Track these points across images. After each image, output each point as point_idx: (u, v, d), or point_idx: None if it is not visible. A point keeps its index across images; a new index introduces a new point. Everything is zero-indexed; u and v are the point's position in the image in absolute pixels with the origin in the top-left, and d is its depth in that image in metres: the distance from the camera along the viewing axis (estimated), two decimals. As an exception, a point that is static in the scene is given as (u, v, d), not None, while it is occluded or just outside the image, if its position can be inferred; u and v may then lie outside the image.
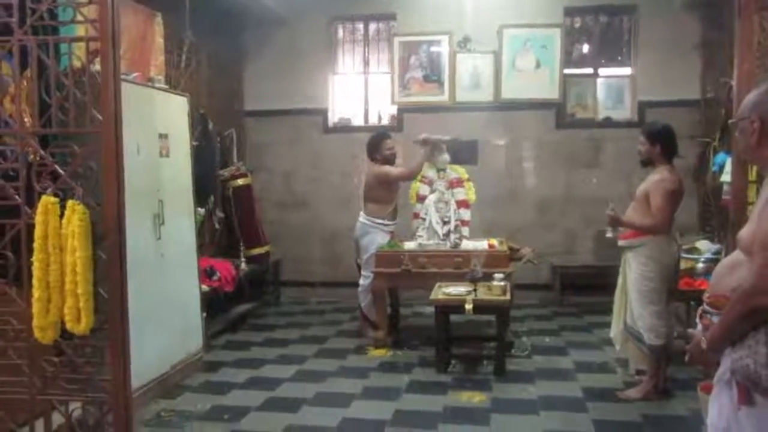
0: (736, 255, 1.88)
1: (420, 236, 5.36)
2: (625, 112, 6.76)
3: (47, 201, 2.85)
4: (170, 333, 4.31)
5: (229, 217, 6.22)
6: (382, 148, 5.39)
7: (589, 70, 6.88)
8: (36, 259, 2.83)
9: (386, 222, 5.40)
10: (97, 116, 2.86)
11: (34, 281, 2.83)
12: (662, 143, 3.91)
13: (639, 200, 3.93)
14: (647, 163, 4.00)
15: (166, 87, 4.68)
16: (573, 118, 6.81)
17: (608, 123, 6.68)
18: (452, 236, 5.28)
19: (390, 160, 5.41)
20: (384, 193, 5.39)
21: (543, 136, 6.76)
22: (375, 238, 5.32)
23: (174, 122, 4.51)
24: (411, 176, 5.41)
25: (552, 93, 6.60)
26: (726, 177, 4.46)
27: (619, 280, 4.17)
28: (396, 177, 5.40)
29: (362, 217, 5.43)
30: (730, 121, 2.23)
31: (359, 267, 5.52)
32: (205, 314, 4.89)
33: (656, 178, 3.87)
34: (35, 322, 2.86)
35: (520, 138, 6.79)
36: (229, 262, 5.86)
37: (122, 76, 3.10)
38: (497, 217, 6.47)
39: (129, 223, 2.98)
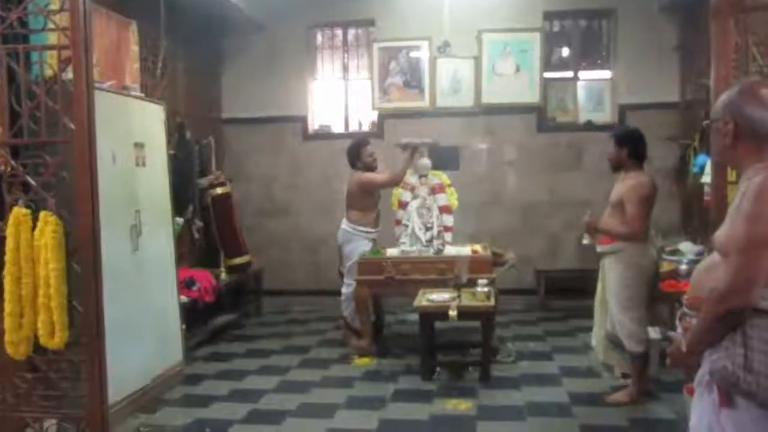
0: (714, 256, 1.87)
1: (403, 243, 5.33)
2: (605, 115, 6.78)
3: (18, 213, 2.80)
4: (149, 346, 4.22)
5: (208, 226, 6.14)
6: (363, 155, 5.35)
7: (569, 74, 6.91)
8: (7, 272, 2.77)
9: (369, 229, 5.36)
10: (70, 125, 2.81)
11: (6, 295, 2.78)
12: (629, 146, 3.87)
13: (614, 206, 3.88)
14: (617, 168, 3.97)
15: (142, 95, 4.61)
16: (554, 122, 6.83)
17: (589, 126, 6.70)
18: (435, 242, 5.25)
19: (371, 167, 5.36)
20: (367, 200, 5.35)
21: (524, 140, 6.76)
22: (358, 245, 5.28)
23: (150, 131, 4.44)
24: (395, 182, 5.36)
25: (532, 97, 6.61)
26: (706, 178, 4.48)
27: (598, 287, 4.11)
28: (380, 183, 5.36)
29: (345, 225, 5.38)
30: (704, 123, 2.23)
31: (342, 275, 5.47)
32: (184, 326, 4.81)
33: (629, 185, 3.82)
34: (7, 338, 2.80)
35: (502, 142, 6.79)
36: (209, 272, 5.77)
37: (95, 85, 3.04)
38: (480, 222, 6.46)
39: (104, 234, 2.93)
